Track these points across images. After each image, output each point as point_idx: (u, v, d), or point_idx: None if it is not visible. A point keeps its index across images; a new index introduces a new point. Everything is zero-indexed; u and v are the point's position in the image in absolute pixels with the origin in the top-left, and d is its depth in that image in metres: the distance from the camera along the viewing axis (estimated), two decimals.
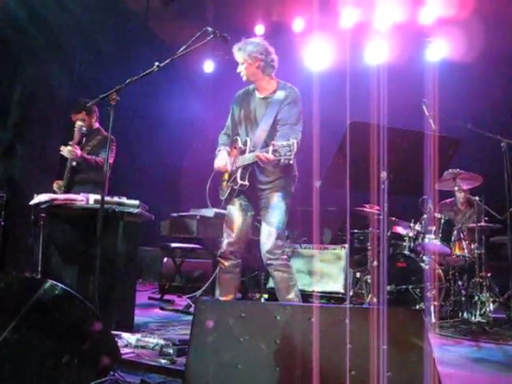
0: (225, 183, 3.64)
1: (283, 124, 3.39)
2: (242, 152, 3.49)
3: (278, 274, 3.43)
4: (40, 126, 6.79)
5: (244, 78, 3.59)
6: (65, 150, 4.38)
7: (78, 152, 4.36)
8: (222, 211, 4.30)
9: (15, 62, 6.33)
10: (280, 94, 3.51)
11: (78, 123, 4.46)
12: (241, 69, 3.55)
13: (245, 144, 3.49)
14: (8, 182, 6.17)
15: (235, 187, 3.45)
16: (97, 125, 4.67)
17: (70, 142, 4.40)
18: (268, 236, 3.43)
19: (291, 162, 3.01)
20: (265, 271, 5.79)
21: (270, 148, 3.00)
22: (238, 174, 3.41)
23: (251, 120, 3.58)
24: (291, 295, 3.41)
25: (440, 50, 7.20)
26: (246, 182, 3.40)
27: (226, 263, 3.56)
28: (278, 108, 3.45)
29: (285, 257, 3.45)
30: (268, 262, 3.44)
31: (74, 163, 4.45)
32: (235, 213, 3.58)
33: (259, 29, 8.06)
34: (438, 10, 7.09)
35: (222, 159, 3.62)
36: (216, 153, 3.72)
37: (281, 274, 3.42)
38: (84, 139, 4.63)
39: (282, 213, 3.46)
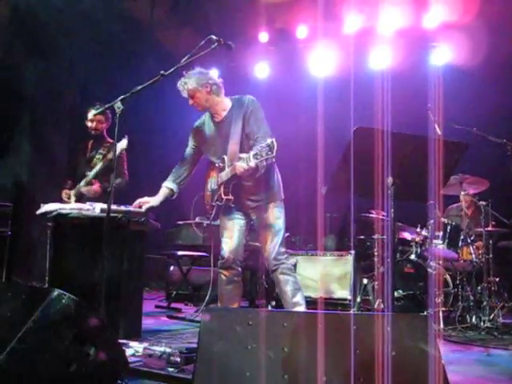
0: (208, 207, 3.75)
1: (254, 138, 3.43)
2: (221, 169, 3.55)
3: (284, 277, 3.46)
4: (47, 131, 6.84)
5: (199, 109, 3.63)
6: (84, 190, 4.47)
7: (98, 189, 4.46)
8: None
9: (22, 65, 6.37)
10: (238, 109, 3.55)
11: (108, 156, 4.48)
12: (193, 101, 3.58)
13: (222, 161, 3.54)
14: (16, 190, 6.20)
15: (220, 204, 3.54)
16: (105, 132, 4.71)
17: (87, 179, 4.47)
18: (271, 243, 3.49)
19: (273, 159, 3.12)
20: (271, 279, 5.80)
21: (250, 154, 3.06)
22: (222, 191, 3.48)
23: (219, 141, 3.62)
24: (296, 298, 3.43)
25: (444, 55, 7.20)
26: (230, 197, 3.46)
27: (227, 273, 3.59)
28: (241, 122, 3.50)
29: (289, 261, 3.55)
30: (273, 268, 3.48)
31: (89, 173, 4.50)
32: (228, 222, 3.64)
33: (263, 36, 8.10)
34: (441, 14, 7.09)
35: (157, 197, 3.75)
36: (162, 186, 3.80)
37: (287, 277, 3.46)
38: (91, 142, 4.67)
39: (281, 220, 3.56)
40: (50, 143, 6.85)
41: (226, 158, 3.51)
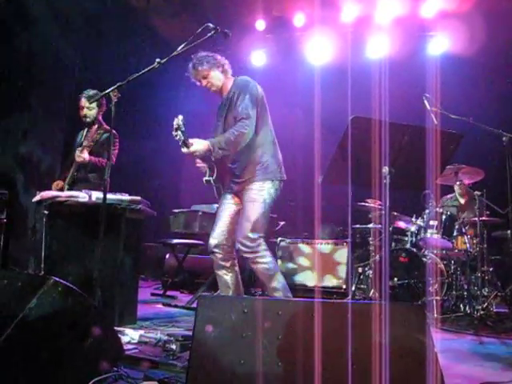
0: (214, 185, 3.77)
1: (238, 121, 3.46)
2: None
3: (256, 266, 3.42)
4: (44, 118, 6.80)
5: (213, 89, 3.68)
6: (76, 156, 4.43)
7: (87, 157, 4.40)
8: None
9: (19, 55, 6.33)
10: (232, 89, 3.61)
11: (94, 136, 4.45)
12: (205, 82, 3.64)
13: None
14: (11, 179, 6.18)
15: (217, 185, 3.66)
16: (99, 118, 4.68)
17: (79, 148, 4.42)
18: (240, 227, 3.44)
19: (224, 154, 3.38)
20: None
21: (210, 140, 3.35)
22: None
23: (218, 119, 3.71)
24: (274, 283, 3.42)
25: (441, 44, 7.19)
26: (214, 177, 3.60)
27: (214, 258, 3.57)
28: (232, 104, 3.55)
29: (261, 248, 3.41)
30: (243, 255, 3.42)
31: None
32: (220, 207, 3.67)
33: (260, 24, 8.04)
34: (439, 3, 7.06)
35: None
36: None
37: (258, 265, 3.41)
38: (85, 130, 4.65)
39: (257, 204, 3.45)
40: (47, 132, 6.82)
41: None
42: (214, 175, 3.60)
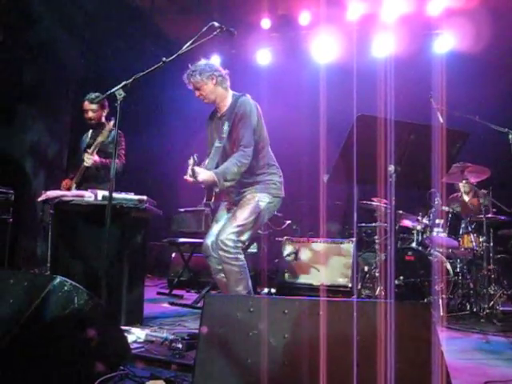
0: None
1: (237, 146, 3.45)
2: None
3: (227, 266, 3.38)
4: (47, 119, 6.83)
5: (205, 101, 3.64)
6: (85, 157, 4.43)
7: (97, 159, 4.40)
8: None
9: (22, 54, 6.35)
10: (231, 110, 3.55)
11: (100, 139, 4.45)
12: (199, 93, 3.59)
13: (204, 161, 3.58)
14: (18, 179, 6.21)
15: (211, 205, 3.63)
16: (103, 119, 4.70)
17: (89, 150, 4.43)
18: (225, 227, 3.43)
19: (230, 185, 3.39)
20: (273, 266, 5.82)
21: (213, 171, 3.34)
22: (206, 193, 3.54)
23: (213, 137, 3.65)
24: (239, 288, 3.40)
25: (447, 42, 7.15)
26: (212, 200, 3.50)
27: (210, 262, 3.57)
28: (230, 125, 3.50)
29: (237, 251, 3.38)
30: (219, 251, 3.37)
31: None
32: (218, 212, 3.69)
33: (265, 22, 8.03)
34: (445, 1, 7.02)
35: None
36: None
37: (229, 267, 3.37)
38: (90, 132, 4.67)
39: (252, 212, 3.45)
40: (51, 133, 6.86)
41: (207, 159, 3.55)
42: (213, 199, 3.54)
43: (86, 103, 4.60)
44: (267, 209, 3.53)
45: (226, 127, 3.50)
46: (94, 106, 4.57)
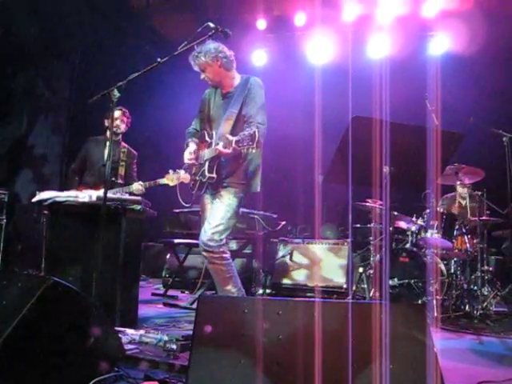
0: (194, 177, 3.74)
1: (249, 121, 3.43)
2: (209, 145, 3.58)
3: (214, 266, 3.41)
4: (42, 119, 6.81)
5: (210, 83, 3.67)
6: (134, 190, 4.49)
7: (141, 187, 4.50)
8: None
9: (16, 57, 6.33)
10: (242, 88, 3.57)
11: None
12: (203, 75, 3.60)
13: (211, 138, 3.58)
14: (11, 179, 6.19)
15: (204, 180, 3.57)
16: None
17: (141, 182, 4.51)
18: (208, 225, 3.44)
19: (254, 150, 3.05)
20: (268, 267, 5.82)
21: (234, 139, 3.09)
22: (206, 167, 3.51)
23: (216, 115, 3.66)
24: (228, 287, 3.42)
25: (443, 44, 7.18)
26: (214, 175, 3.49)
27: (205, 254, 3.51)
28: (241, 102, 3.51)
29: (221, 250, 3.40)
30: (204, 253, 3.41)
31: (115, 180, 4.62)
32: (207, 205, 3.67)
33: (261, 23, 8.03)
34: (440, 3, 7.05)
35: (191, 152, 3.68)
36: (184, 146, 3.77)
37: (216, 266, 3.40)
38: (108, 144, 4.55)
39: (228, 210, 3.46)
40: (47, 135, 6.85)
41: (214, 135, 3.55)
42: (195, 189, 3.62)
43: (119, 113, 4.59)
44: (242, 204, 3.59)
45: (236, 105, 3.51)
46: (123, 117, 4.62)
